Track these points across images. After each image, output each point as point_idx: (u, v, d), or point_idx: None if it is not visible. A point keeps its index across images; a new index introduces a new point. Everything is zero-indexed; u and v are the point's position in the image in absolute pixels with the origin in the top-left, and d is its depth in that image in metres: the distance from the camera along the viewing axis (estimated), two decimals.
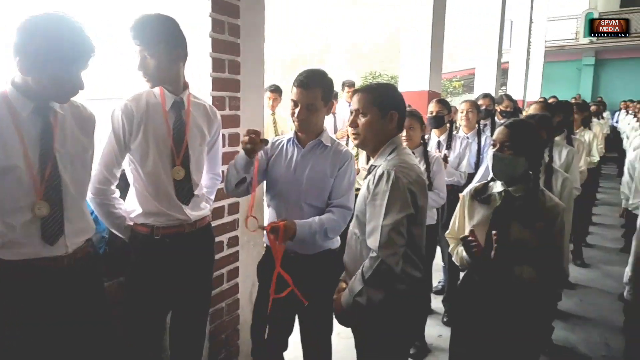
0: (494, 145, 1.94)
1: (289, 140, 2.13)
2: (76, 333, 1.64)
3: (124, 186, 2.02)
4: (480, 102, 4.51)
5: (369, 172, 1.83)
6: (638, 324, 2.59)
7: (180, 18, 2.34)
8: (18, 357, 1.52)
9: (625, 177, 3.40)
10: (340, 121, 5.93)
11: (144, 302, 1.94)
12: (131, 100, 1.91)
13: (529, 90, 11.87)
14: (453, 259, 2.10)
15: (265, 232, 1.97)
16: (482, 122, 4.46)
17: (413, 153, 2.92)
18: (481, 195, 2.00)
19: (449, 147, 3.58)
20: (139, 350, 1.98)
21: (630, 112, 11.10)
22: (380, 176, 1.67)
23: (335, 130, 5.90)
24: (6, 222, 1.51)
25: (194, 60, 2.40)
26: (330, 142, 2.11)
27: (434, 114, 3.59)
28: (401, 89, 5.52)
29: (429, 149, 3.14)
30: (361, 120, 1.78)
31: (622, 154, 8.61)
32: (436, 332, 3.35)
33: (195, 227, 2.01)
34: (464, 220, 2.07)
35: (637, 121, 9.52)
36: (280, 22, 21.17)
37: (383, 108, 1.77)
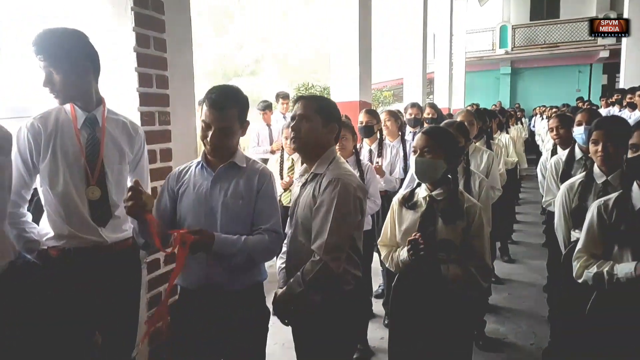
0: (414, 151, 2.06)
1: (197, 165, 1.86)
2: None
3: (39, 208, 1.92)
4: (409, 111, 4.74)
5: (307, 180, 1.88)
6: (563, 313, 2.79)
7: (104, 33, 2.28)
8: None
9: (539, 177, 3.67)
10: (275, 133, 5.97)
11: (61, 326, 1.84)
12: (39, 118, 1.83)
13: (453, 98, 12.54)
14: (387, 265, 2.17)
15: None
16: (412, 130, 4.68)
17: (347, 161, 3.04)
18: (408, 202, 2.12)
19: (380, 155, 3.71)
20: None
21: (544, 116, 12.02)
22: (329, 183, 1.74)
23: (271, 142, 5.93)
24: None
25: (119, 75, 2.34)
26: (246, 161, 1.86)
27: (363, 124, 3.72)
28: (333, 99, 5.65)
29: (361, 157, 3.24)
30: (305, 125, 1.82)
31: (540, 155, 9.30)
32: (378, 335, 3.42)
33: (114, 250, 1.92)
34: (395, 227, 2.16)
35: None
36: (211, 36, 20.94)
37: (326, 118, 1.85)
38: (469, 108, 6.96)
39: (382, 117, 4.07)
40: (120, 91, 2.34)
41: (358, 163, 3.12)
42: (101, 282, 1.89)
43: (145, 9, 2.32)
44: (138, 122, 2.31)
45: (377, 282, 4.14)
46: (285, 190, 3.76)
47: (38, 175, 1.85)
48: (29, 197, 1.88)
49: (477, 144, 3.62)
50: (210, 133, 1.74)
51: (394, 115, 4.13)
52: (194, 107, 2.78)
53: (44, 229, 1.88)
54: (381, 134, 3.84)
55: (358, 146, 3.37)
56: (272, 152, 5.67)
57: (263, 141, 5.98)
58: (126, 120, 2.04)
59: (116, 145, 1.95)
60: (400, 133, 4.10)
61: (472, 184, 2.61)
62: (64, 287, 1.84)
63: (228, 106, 1.73)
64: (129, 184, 2.07)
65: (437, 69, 11.87)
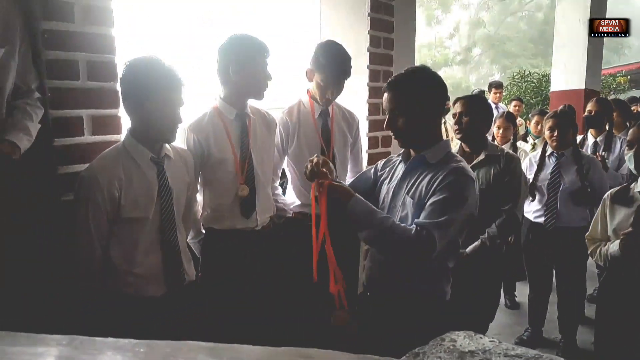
0: (629, 145, 1.99)
1: (399, 157, 1.77)
2: (260, 285, 2.07)
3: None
4: None
5: (481, 164, 2.31)
6: None
7: (344, 36, 2.69)
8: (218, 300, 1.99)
9: None
10: None
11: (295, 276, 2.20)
12: (286, 113, 2.32)
13: None
14: (594, 259, 2.14)
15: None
16: None
17: (564, 154, 2.90)
18: (622, 197, 2.03)
19: (607, 149, 3.41)
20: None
21: None
22: (515, 161, 2.35)
23: None
24: (218, 202, 2.03)
25: (354, 72, 2.74)
26: (440, 157, 1.60)
27: (592, 113, 3.48)
28: (553, 87, 5.31)
29: (585, 149, 3.06)
30: (464, 120, 2.31)
31: None
32: (590, 339, 3.22)
33: None
34: (605, 223, 2.09)
35: None
36: (422, 26, 21.07)
37: (477, 112, 2.34)
38: None
39: None
40: (354, 85, 2.75)
41: (576, 156, 2.92)
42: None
43: (379, 13, 2.67)
44: (366, 112, 2.69)
45: (591, 285, 3.82)
46: None
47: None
48: (280, 174, 2.40)
49: None
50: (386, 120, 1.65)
51: (620, 105, 3.77)
52: None
53: (290, 199, 2.40)
54: (611, 126, 3.52)
55: (581, 138, 3.19)
56: None
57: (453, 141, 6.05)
58: (345, 110, 2.45)
59: (341, 131, 2.37)
60: (627, 125, 3.71)
61: None
62: (302, 243, 2.22)
63: (398, 88, 1.60)
64: (350, 164, 2.46)
65: None
